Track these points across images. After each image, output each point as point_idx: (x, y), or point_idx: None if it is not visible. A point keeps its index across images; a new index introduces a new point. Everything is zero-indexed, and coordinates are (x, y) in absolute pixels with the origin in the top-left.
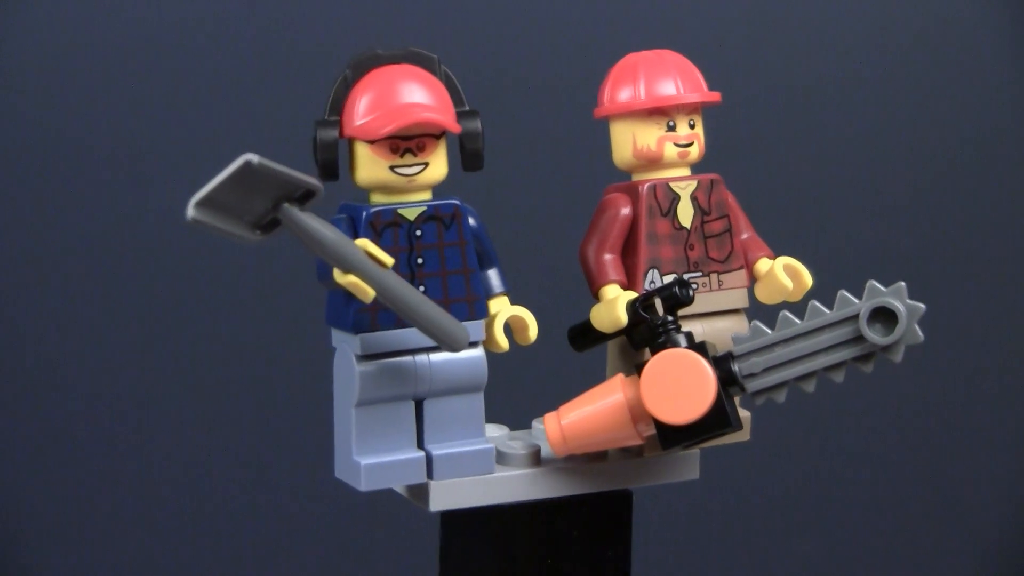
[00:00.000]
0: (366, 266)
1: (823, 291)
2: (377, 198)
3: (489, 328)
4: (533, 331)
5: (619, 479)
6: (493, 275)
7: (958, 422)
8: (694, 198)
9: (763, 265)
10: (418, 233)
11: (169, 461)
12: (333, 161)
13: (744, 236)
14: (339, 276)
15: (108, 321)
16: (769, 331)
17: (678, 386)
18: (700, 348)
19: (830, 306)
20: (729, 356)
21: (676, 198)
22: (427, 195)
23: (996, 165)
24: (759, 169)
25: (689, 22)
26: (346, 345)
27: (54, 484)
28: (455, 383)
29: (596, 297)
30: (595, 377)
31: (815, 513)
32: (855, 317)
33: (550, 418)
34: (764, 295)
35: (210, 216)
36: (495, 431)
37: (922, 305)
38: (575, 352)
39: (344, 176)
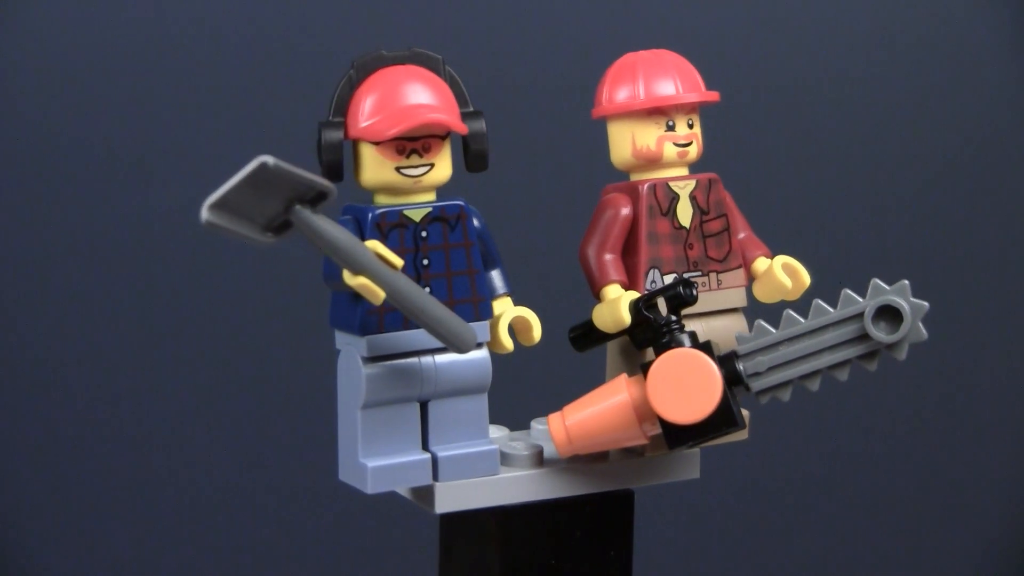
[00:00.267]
0: (377, 268)
1: (821, 291)
2: (382, 199)
3: (493, 329)
4: (537, 332)
5: (621, 479)
6: (496, 276)
7: (958, 422)
8: (693, 197)
9: (761, 264)
10: (424, 234)
11: (170, 463)
12: (338, 162)
13: (741, 235)
14: (349, 278)
15: (108, 321)
16: (773, 330)
17: (685, 386)
18: (705, 347)
19: (832, 304)
20: (733, 355)
21: (676, 197)
22: (432, 196)
23: (995, 165)
24: (756, 168)
25: (686, 22)
26: (351, 347)
27: (55, 485)
28: (460, 384)
29: (597, 297)
30: (593, 377)
31: (816, 513)
32: (859, 315)
33: (554, 419)
34: (763, 294)
35: (224, 218)
36: (495, 432)
37: (926, 303)
38: (574, 353)
39: (347, 177)
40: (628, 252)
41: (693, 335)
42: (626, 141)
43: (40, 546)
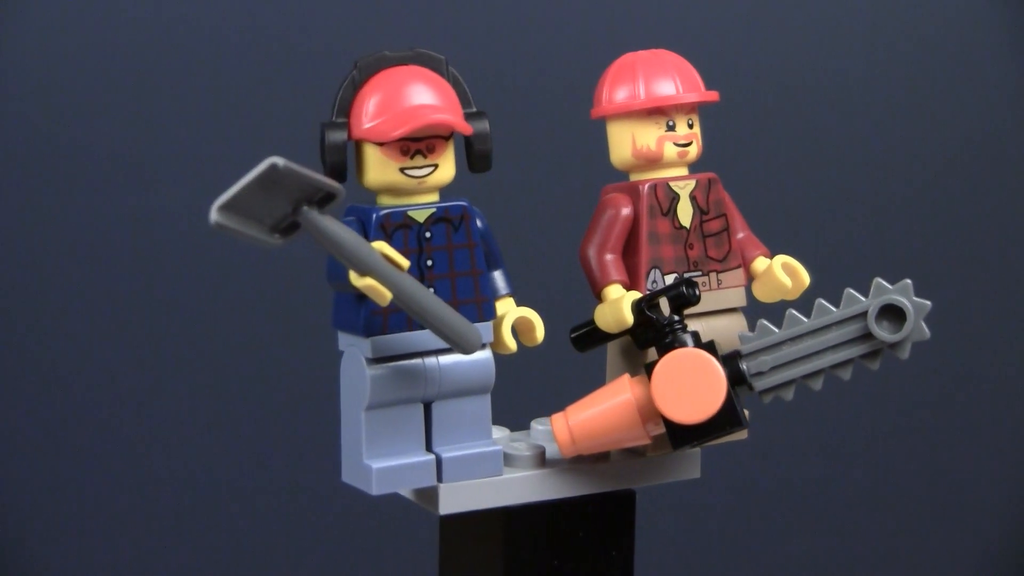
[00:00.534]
0: (384, 269)
1: (820, 290)
2: (385, 200)
3: (497, 330)
4: (540, 332)
5: (622, 479)
6: (499, 276)
7: (958, 421)
8: (693, 197)
9: (760, 264)
10: (428, 235)
11: (172, 465)
12: (342, 163)
13: (740, 235)
14: (356, 279)
15: (109, 323)
16: (776, 329)
17: (689, 386)
18: (709, 347)
19: (833, 304)
20: (737, 355)
21: (676, 197)
22: (435, 197)
23: (995, 165)
24: (755, 168)
25: (684, 22)
26: (355, 348)
27: (58, 487)
28: (464, 385)
29: (598, 298)
30: (593, 377)
31: (816, 512)
32: (862, 315)
33: (557, 419)
34: (762, 294)
35: (232, 220)
36: (496, 433)
37: (928, 302)
38: (573, 353)
39: (350, 178)
40: (628, 252)
41: (696, 335)
42: (626, 141)
43: (46, 546)
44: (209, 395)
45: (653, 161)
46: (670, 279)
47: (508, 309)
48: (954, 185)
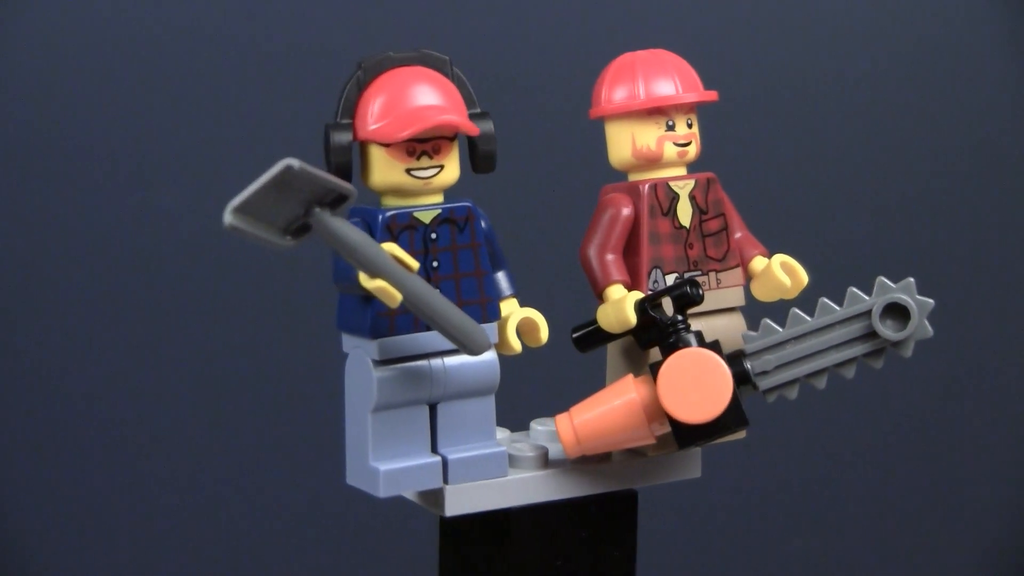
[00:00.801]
0: (395, 271)
1: (819, 289)
2: (390, 201)
3: (502, 331)
4: (544, 333)
5: (624, 479)
6: (502, 277)
7: (959, 421)
8: (692, 197)
9: (758, 263)
10: (433, 236)
11: (173, 468)
12: (347, 164)
13: (738, 235)
14: (366, 281)
15: (111, 324)
16: (780, 328)
17: (696, 385)
18: (714, 347)
19: (834, 303)
20: (741, 354)
21: (676, 197)
22: (439, 198)
23: (995, 164)
24: (754, 168)
25: (682, 21)
26: (361, 350)
27: (59, 490)
28: (469, 386)
29: (599, 298)
30: (591, 377)
31: (817, 512)
32: (866, 313)
33: (562, 420)
34: (761, 293)
35: (246, 222)
36: (497, 434)
37: (931, 301)
38: (571, 353)
39: (354, 180)
40: (629, 252)
41: (699, 335)
42: (626, 141)
43: (47, 548)
44: (210, 397)
45: (653, 161)
46: (671, 279)
47: (512, 310)
48: (953, 185)
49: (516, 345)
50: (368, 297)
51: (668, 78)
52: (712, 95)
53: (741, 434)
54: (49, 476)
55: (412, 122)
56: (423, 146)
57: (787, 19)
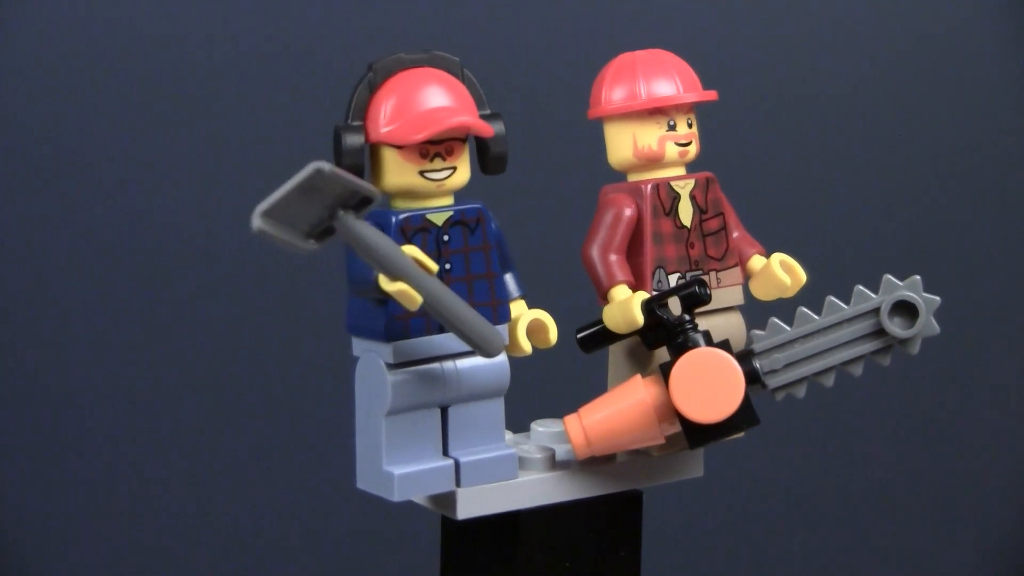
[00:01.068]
0: (416, 273)
1: (817, 289)
2: (401, 203)
3: (512, 332)
4: (553, 334)
5: (629, 480)
6: (510, 279)
7: (959, 421)
8: (692, 196)
9: (756, 262)
10: (445, 238)
11: (179, 470)
12: (359, 167)
13: (735, 234)
14: (386, 283)
15: (112, 325)
16: (788, 327)
17: (708, 385)
18: (724, 346)
19: (833, 300)
20: (750, 353)
21: (677, 197)
22: (450, 200)
23: (995, 164)
24: (754, 168)
25: (681, 21)
26: (373, 353)
27: (61, 491)
28: (480, 389)
29: (604, 299)
30: (591, 377)
31: (819, 512)
32: (873, 311)
33: (571, 421)
34: (761, 291)
35: (273, 226)
36: None
37: (937, 298)
38: (572, 354)
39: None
40: (632, 253)
41: (707, 334)
42: (627, 141)
43: (47, 548)
44: (217, 401)
45: (654, 161)
46: (674, 279)
47: (521, 311)
48: (953, 185)
49: (527, 347)
50: (383, 300)
51: (669, 78)
52: (712, 95)
53: (740, 433)
54: (65, 478)
55: (427, 124)
56: (437, 148)
57: (786, 19)
